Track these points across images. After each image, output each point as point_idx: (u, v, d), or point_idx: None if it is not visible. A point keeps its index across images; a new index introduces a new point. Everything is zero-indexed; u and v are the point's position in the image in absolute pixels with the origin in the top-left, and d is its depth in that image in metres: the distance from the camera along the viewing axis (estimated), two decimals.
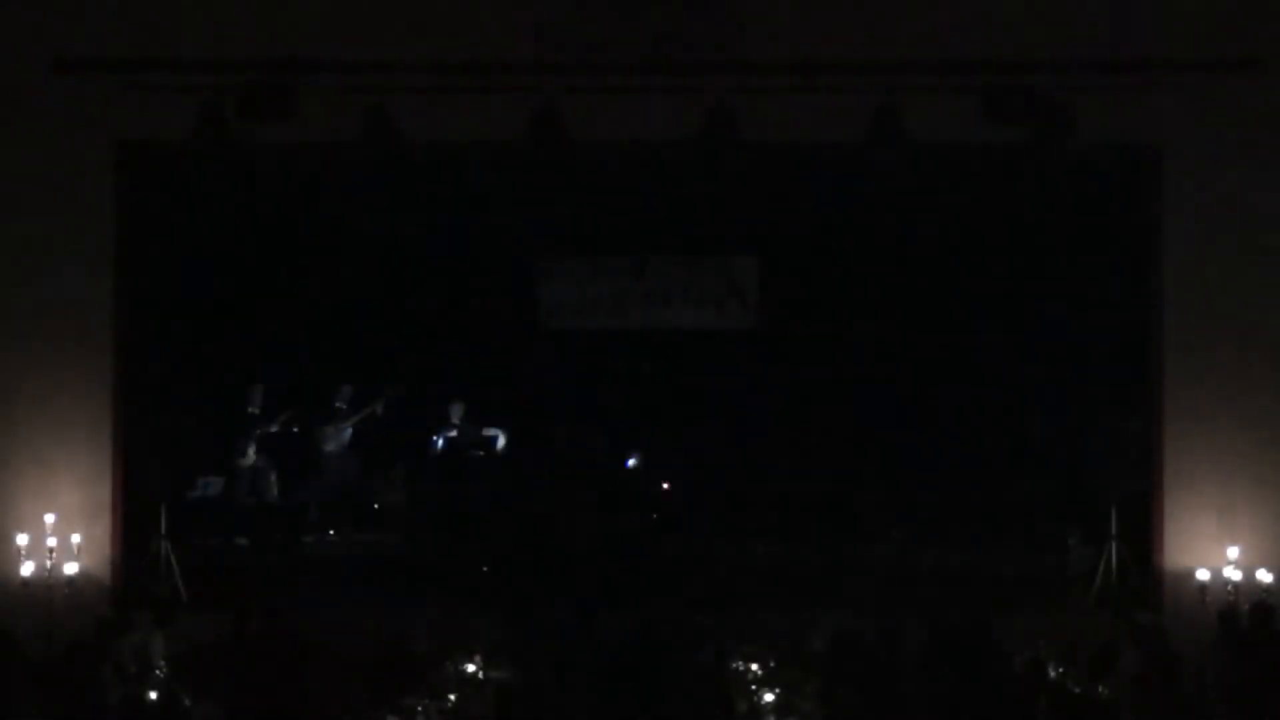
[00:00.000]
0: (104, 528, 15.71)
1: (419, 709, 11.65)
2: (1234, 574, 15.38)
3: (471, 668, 12.79)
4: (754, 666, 12.74)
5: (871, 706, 11.04)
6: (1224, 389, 15.62)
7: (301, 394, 18.25)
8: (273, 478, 18.06)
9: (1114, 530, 15.90)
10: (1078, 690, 11.69)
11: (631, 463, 18.30)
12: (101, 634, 13.07)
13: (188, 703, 11.38)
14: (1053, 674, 12.24)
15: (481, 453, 18.21)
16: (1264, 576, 15.33)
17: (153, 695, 11.90)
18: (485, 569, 16.88)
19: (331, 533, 18.03)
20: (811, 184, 16.53)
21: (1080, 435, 17.59)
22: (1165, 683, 11.54)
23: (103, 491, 15.74)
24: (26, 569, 15.29)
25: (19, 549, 15.37)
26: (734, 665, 12.80)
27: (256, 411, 18.08)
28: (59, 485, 15.60)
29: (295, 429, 18.11)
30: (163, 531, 15.95)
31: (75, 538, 15.50)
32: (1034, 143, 14.98)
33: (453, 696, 12.06)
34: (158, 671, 12.90)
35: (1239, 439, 15.62)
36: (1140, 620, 13.90)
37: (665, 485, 18.18)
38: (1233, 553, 15.46)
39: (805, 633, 13.34)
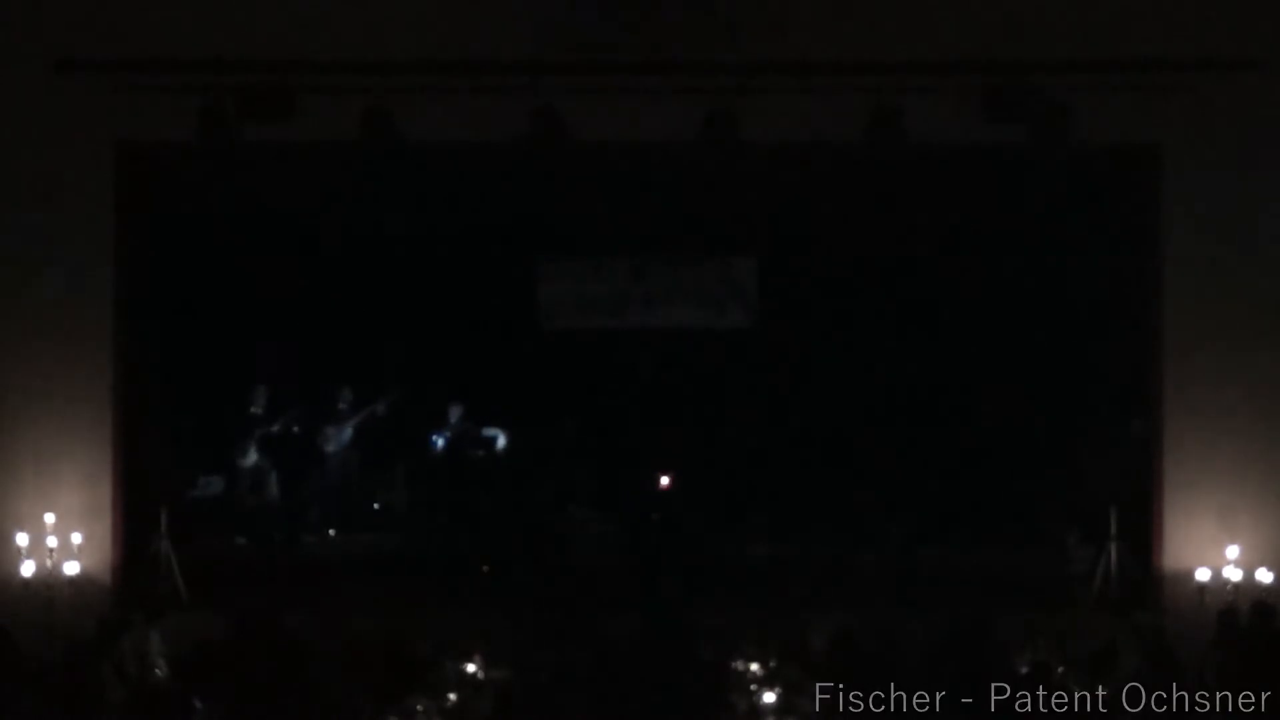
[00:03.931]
0: (104, 528, 15.72)
1: (419, 709, 11.65)
2: (1234, 574, 15.38)
3: (471, 668, 12.78)
4: (754, 666, 12.74)
5: (871, 706, 11.03)
6: (1224, 390, 15.62)
7: (302, 394, 18.25)
8: (273, 478, 18.07)
9: (1114, 530, 15.90)
10: (1078, 690, 11.68)
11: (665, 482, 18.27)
12: (101, 634, 13.06)
13: (188, 703, 11.37)
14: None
15: (481, 453, 18.21)
16: (1264, 576, 15.34)
17: (153, 695, 11.90)
18: (485, 569, 16.91)
19: (331, 533, 18.04)
20: (811, 184, 16.52)
21: (1080, 435, 17.59)
22: (1165, 683, 11.53)
23: (103, 491, 15.75)
24: (27, 569, 15.30)
25: (19, 549, 15.38)
26: (734, 665, 12.80)
27: (258, 411, 18.08)
28: (59, 485, 15.61)
29: (296, 429, 18.11)
30: (163, 531, 15.94)
31: (75, 538, 15.51)
32: (1034, 143, 14.98)
33: (453, 696, 12.06)
34: (157, 671, 12.91)
35: (1239, 439, 15.63)
36: (1140, 620, 13.89)
37: (665, 481, 18.16)
38: (1232, 552, 15.47)
39: (805, 633, 13.33)
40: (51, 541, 15.45)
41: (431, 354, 18.34)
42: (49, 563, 15.37)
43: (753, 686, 12.21)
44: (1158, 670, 11.90)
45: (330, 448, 18.26)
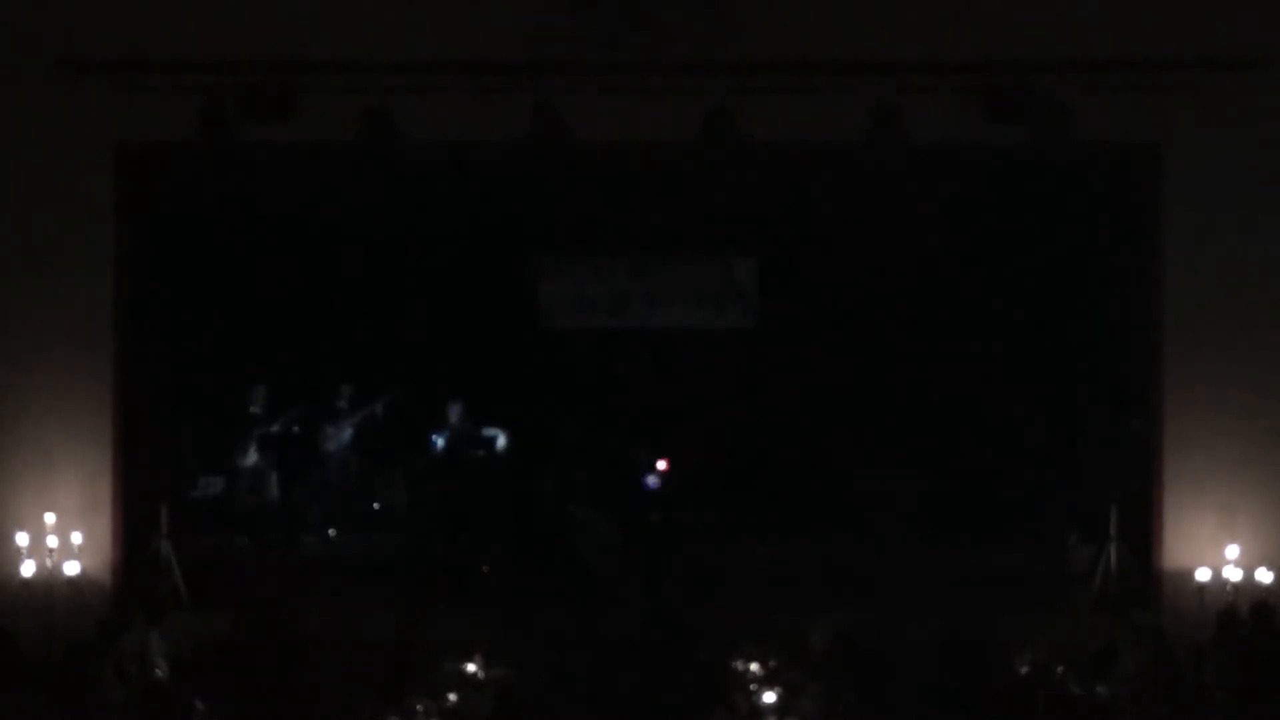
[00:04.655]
0: (104, 527, 15.71)
1: (419, 709, 11.65)
2: (1234, 574, 15.38)
3: (471, 668, 12.79)
4: (754, 666, 12.74)
5: (871, 706, 11.04)
6: (1224, 389, 15.62)
7: (302, 394, 18.24)
8: (273, 478, 18.06)
9: (1114, 530, 15.90)
10: (1078, 690, 11.69)
11: (652, 481, 18.24)
12: (101, 634, 13.06)
13: (188, 703, 11.38)
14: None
15: (481, 453, 18.21)
16: (1264, 576, 15.33)
17: (153, 695, 11.91)
18: (485, 569, 16.92)
19: (331, 533, 18.03)
20: (811, 184, 16.53)
21: (1080, 435, 17.59)
22: (1165, 683, 11.54)
23: (103, 491, 15.74)
24: (27, 568, 15.30)
25: (19, 548, 15.38)
26: (734, 665, 12.81)
27: (257, 411, 18.07)
28: (59, 485, 15.60)
29: (296, 429, 18.10)
30: (163, 531, 15.95)
31: (75, 537, 15.50)
32: (1034, 143, 14.99)
33: (453, 696, 12.07)
34: (157, 671, 12.91)
35: (1239, 439, 15.61)
36: (1140, 620, 13.90)
37: (662, 466, 18.12)
38: (1232, 552, 15.46)
39: (805, 633, 13.34)
40: (51, 541, 15.44)
41: (432, 354, 18.32)
42: (49, 563, 15.37)
43: (753, 686, 12.22)
44: (1158, 670, 11.90)
45: (330, 448, 18.25)
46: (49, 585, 15.26)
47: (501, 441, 18.27)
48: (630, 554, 17.15)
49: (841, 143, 15.31)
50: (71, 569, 15.33)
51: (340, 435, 18.27)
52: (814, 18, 15.27)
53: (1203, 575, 15.38)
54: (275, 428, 18.04)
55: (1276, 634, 13.35)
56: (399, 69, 15.04)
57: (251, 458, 17.96)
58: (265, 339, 18.11)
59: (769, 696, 11.80)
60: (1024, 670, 12.01)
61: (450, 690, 12.19)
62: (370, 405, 18.24)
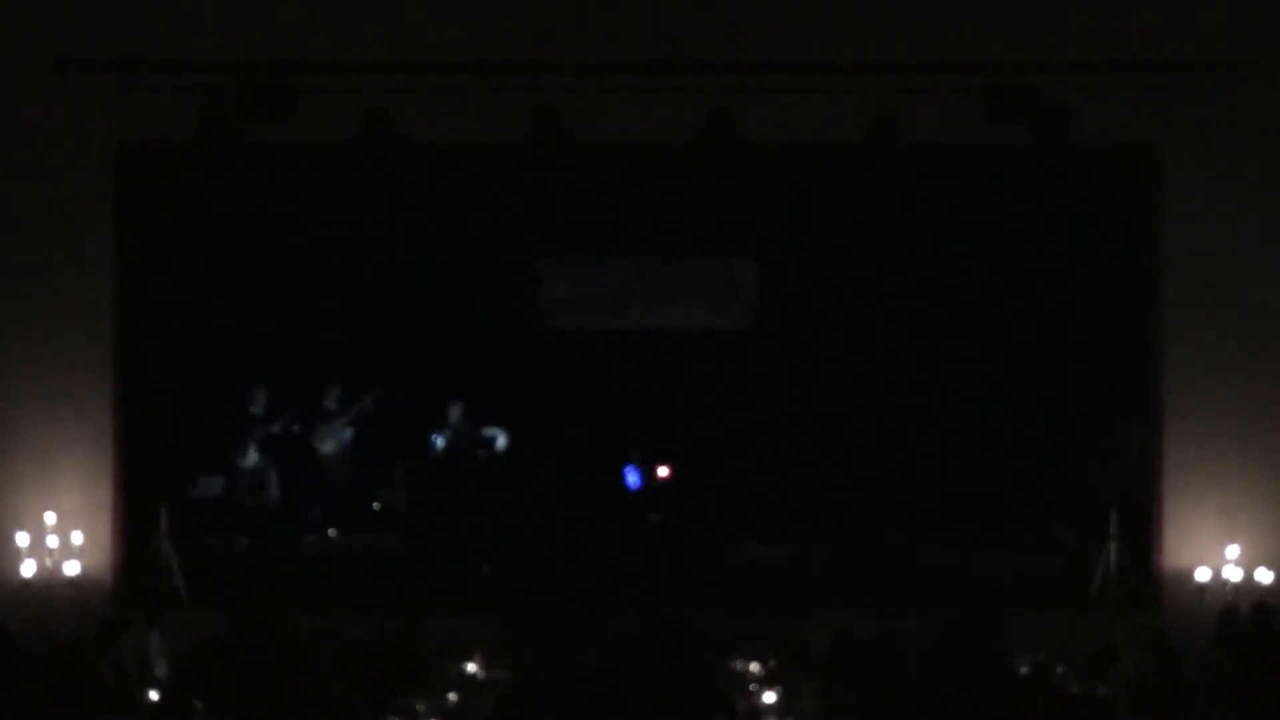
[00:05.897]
0: (104, 527, 15.72)
1: (419, 709, 11.65)
2: (1234, 574, 15.39)
3: (471, 668, 12.78)
4: (754, 666, 12.74)
5: (871, 706, 11.04)
6: (1224, 389, 15.63)
7: (302, 394, 18.24)
8: (273, 478, 18.06)
9: (1114, 530, 15.90)
10: (1078, 690, 11.69)
11: (663, 472, 18.24)
12: (101, 634, 13.06)
13: (188, 703, 11.36)
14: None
15: (481, 453, 18.21)
16: (1264, 576, 15.34)
17: (153, 695, 11.91)
18: (485, 569, 16.92)
19: (331, 533, 18.03)
20: (811, 184, 16.53)
21: (1080, 435, 17.59)
22: (1165, 683, 11.54)
23: (103, 491, 15.75)
24: (27, 568, 15.30)
25: (19, 549, 15.38)
26: (734, 665, 12.80)
27: (257, 411, 18.07)
28: (59, 485, 15.62)
29: (296, 429, 18.10)
30: (163, 531, 15.95)
31: (75, 537, 15.51)
32: (1034, 143, 14.99)
33: (453, 696, 12.07)
34: (156, 670, 12.91)
35: (1239, 439, 15.63)
36: (1140, 620, 13.90)
37: (663, 472, 18.13)
38: (1232, 552, 15.47)
39: (805, 633, 13.33)
40: (51, 541, 15.45)
41: (431, 354, 18.33)
42: (49, 563, 15.38)
43: (753, 686, 12.22)
44: (1158, 670, 11.90)
45: (330, 448, 18.23)
46: (49, 585, 15.27)
47: (501, 441, 18.26)
48: (630, 554, 17.15)
49: (841, 143, 15.31)
50: (71, 569, 15.34)
51: (340, 435, 18.25)
52: (814, 18, 15.28)
53: (1203, 575, 15.39)
54: (275, 428, 18.03)
55: (1276, 634, 13.35)
56: (399, 69, 15.05)
57: (251, 458, 17.95)
58: (265, 339, 18.12)
59: (769, 696, 11.81)
60: (1024, 670, 12.00)
61: (450, 690, 12.19)
62: (359, 403, 18.21)
